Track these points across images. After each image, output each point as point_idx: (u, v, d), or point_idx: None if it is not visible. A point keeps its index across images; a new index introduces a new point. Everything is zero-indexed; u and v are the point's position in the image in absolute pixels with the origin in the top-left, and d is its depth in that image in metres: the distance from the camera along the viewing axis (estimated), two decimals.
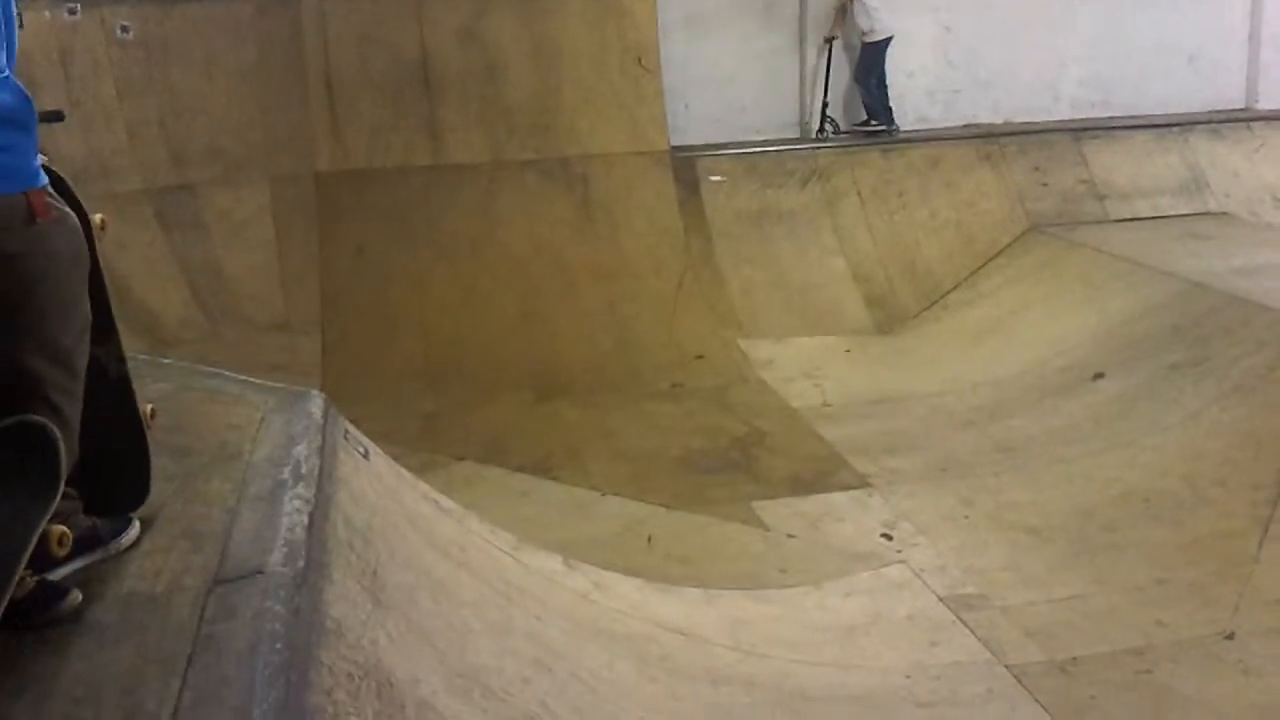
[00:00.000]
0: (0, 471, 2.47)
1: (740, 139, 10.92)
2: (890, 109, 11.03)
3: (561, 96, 10.15)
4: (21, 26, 8.55)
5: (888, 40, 10.82)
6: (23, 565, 2.42)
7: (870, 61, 10.92)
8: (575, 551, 4.88)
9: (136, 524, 3.00)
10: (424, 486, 4.29)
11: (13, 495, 2.45)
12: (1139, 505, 6.02)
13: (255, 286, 9.18)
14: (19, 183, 2.69)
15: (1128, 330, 7.98)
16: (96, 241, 3.01)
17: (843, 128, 11.13)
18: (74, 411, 2.82)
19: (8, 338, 2.69)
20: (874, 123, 11.04)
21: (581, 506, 6.54)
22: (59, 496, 2.51)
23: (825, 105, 11.04)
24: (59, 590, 2.67)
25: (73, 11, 9.17)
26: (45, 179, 2.75)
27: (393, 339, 8.91)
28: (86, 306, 2.87)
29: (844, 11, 10.89)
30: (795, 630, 4.86)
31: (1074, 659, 4.73)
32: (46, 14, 9.05)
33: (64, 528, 2.62)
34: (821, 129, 11.03)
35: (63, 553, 2.64)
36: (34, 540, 2.43)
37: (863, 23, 10.80)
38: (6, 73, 2.65)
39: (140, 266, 8.80)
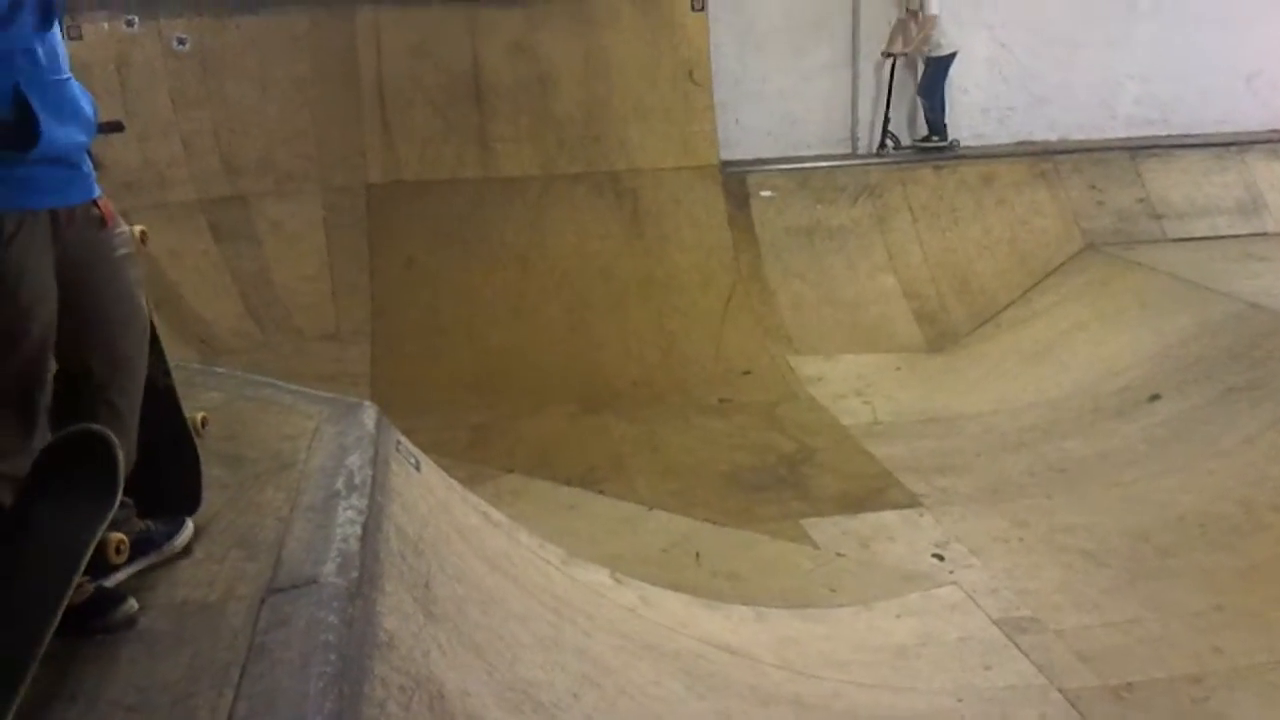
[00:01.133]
0: (61, 479, 2.48)
1: (791, 154, 10.88)
2: (945, 125, 10.93)
3: (612, 110, 10.16)
4: (80, 38, 8.68)
5: (952, 55, 10.75)
6: (81, 572, 2.42)
7: (934, 77, 10.85)
8: (623, 566, 4.85)
9: (190, 525, 3.02)
10: (474, 498, 4.29)
11: (73, 502, 2.46)
12: (1195, 529, 5.91)
13: (306, 297, 9.24)
14: (92, 189, 2.74)
15: (1184, 351, 7.85)
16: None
17: (903, 143, 11.05)
18: (133, 415, 2.85)
19: (75, 341, 2.72)
20: (935, 138, 10.96)
21: (628, 521, 6.51)
22: (117, 504, 2.52)
23: (887, 121, 10.96)
24: (115, 597, 2.68)
25: (130, 23, 9.31)
26: (100, 189, 2.80)
27: (442, 350, 8.93)
28: (146, 313, 2.90)
29: (904, 27, 10.82)
30: (845, 650, 4.80)
31: (1129, 684, 4.62)
32: (105, 25, 9.20)
33: (121, 535, 2.63)
34: (883, 144, 10.95)
35: (120, 560, 2.65)
36: (92, 547, 2.44)
37: (930, 38, 10.72)
38: (70, 76, 2.68)
39: (193, 276, 8.90)
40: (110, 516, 2.50)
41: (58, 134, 2.55)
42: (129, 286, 2.83)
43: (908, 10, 10.77)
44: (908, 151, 10.97)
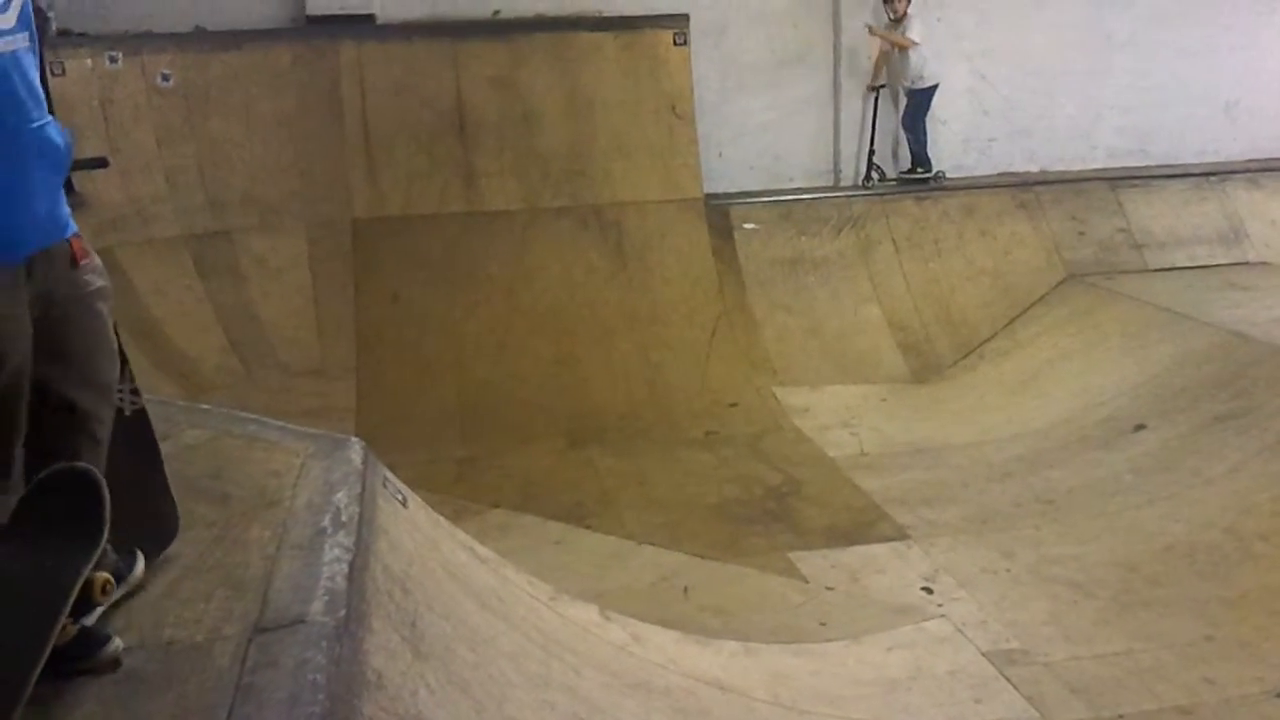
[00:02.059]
0: (47, 517, 2.46)
1: (774, 186, 10.93)
2: (929, 157, 11.01)
3: (596, 144, 10.20)
4: (64, 74, 8.70)
5: (934, 88, 10.83)
6: (66, 613, 2.40)
7: (916, 108, 10.91)
8: (611, 602, 4.82)
9: (138, 553, 3.00)
10: (461, 534, 4.26)
11: (59, 542, 2.43)
12: (1183, 559, 5.90)
13: (291, 332, 9.21)
14: (65, 229, 2.75)
15: (1168, 381, 7.87)
16: None
17: (888, 176, 11.11)
18: (107, 445, 2.86)
19: (59, 375, 2.72)
20: (920, 170, 11.00)
21: (616, 556, 6.48)
22: (104, 543, 2.50)
23: (872, 154, 11.01)
24: (100, 638, 2.65)
25: (114, 60, 9.32)
26: (75, 226, 2.81)
27: (427, 385, 8.91)
28: (117, 342, 2.93)
29: (886, 59, 10.90)
30: (836, 685, 4.77)
31: (1120, 717, 4.61)
32: (88, 62, 9.20)
33: (107, 575, 2.60)
34: (869, 177, 11.00)
35: (105, 600, 2.62)
36: (78, 587, 2.42)
37: (912, 70, 10.78)
38: (51, 119, 2.68)
39: (177, 312, 8.86)
40: (97, 556, 2.48)
41: (23, 183, 2.55)
42: (103, 319, 2.85)
43: (883, 43, 10.85)
44: (892, 184, 11.01)
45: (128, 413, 3.11)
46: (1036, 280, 10.19)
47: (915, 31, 10.67)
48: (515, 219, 9.94)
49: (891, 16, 10.76)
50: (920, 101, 10.89)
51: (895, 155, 11.25)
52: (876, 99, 10.97)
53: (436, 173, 9.96)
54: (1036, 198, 10.75)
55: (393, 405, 8.59)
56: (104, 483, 2.54)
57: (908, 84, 10.89)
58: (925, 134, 10.98)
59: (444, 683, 2.94)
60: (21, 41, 2.60)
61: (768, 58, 10.90)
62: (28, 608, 2.38)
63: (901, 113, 11.08)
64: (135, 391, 3.02)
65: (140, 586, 2.94)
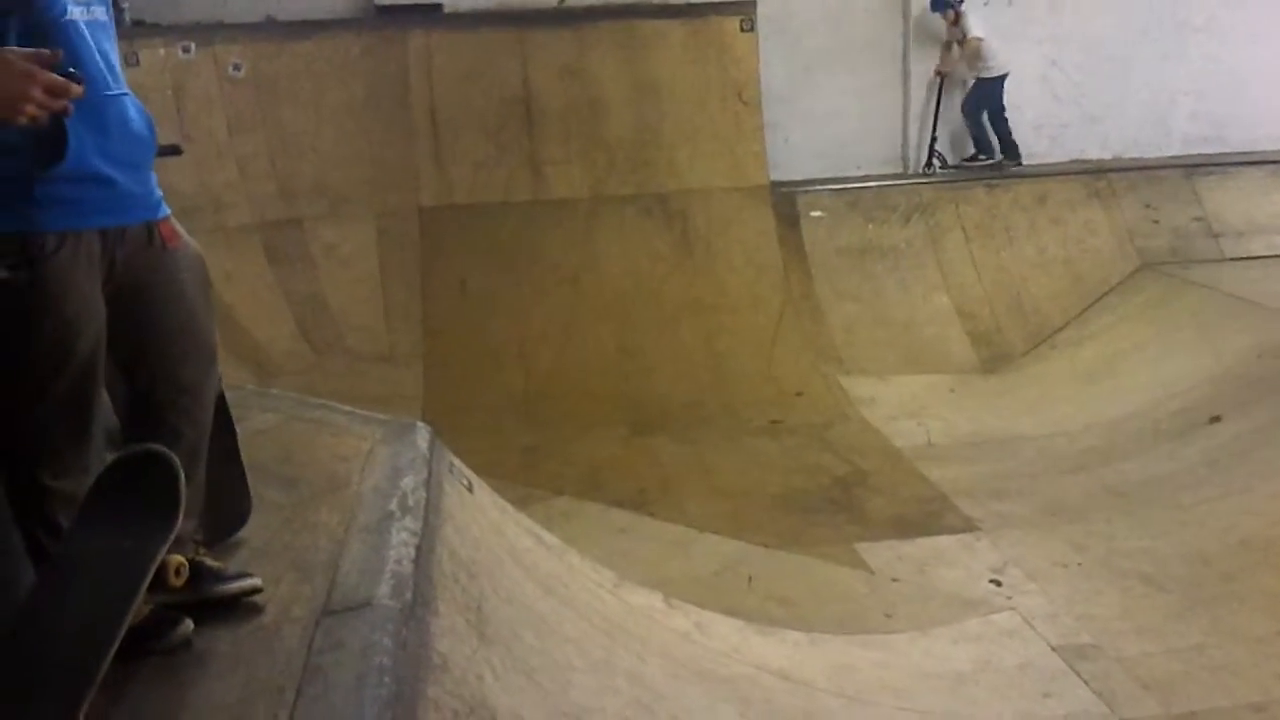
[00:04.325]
0: (122, 498, 2.49)
1: (842, 174, 10.84)
2: (1014, 143, 10.91)
3: (662, 132, 10.18)
4: (138, 64, 8.83)
5: (1003, 77, 10.71)
6: (142, 594, 2.43)
7: (981, 96, 10.80)
8: (674, 590, 4.81)
9: (256, 580, 2.93)
10: (526, 520, 4.27)
11: (134, 522, 2.46)
12: (1258, 554, 5.76)
13: (359, 319, 9.32)
14: (151, 210, 2.72)
15: (1244, 372, 7.70)
16: None
17: (949, 163, 11.00)
18: (199, 439, 2.85)
19: (134, 362, 2.73)
20: (982, 157, 10.89)
21: (680, 544, 6.46)
22: (178, 525, 2.52)
23: (934, 140, 10.92)
24: (172, 618, 2.68)
25: (187, 50, 9.47)
26: (167, 209, 2.79)
27: (493, 371, 8.96)
28: (213, 336, 2.89)
29: (950, 47, 10.78)
30: (902, 677, 4.72)
31: (1192, 713, 4.51)
32: (161, 52, 9.35)
33: (181, 558, 2.62)
34: (929, 164, 10.91)
35: (178, 582, 2.65)
36: (153, 570, 2.44)
37: (978, 59, 10.67)
38: (128, 93, 2.67)
39: (248, 299, 9.00)
40: (171, 537, 2.50)
41: (98, 151, 2.54)
42: (191, 312, 2.79)
43: (949, 35, 10.78)
44: (952, 171, 10.91)
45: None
46: (1109, 269, 10.02)
47: (976, 28, 10.58)
48: (580, 207, 9.97)
49: (950, 21, 10.71)
50: (984, 90, 10.77)
51: (956, 142, 11.11)
52: (940, 85, 10.88)
53: (503, 161, 10.00)
54: (1110, 185, 10.55)
55: (459, 392, 8.66)
56: (178, 464, 2.55)
57: (974, 73, 10.77)
58: (1001, 123, 10.86)
59: (508, 667, 2.95)
60: (100, 13, 2.62)
61: (835, 44, 10.81)
62: (104, 589, 2.41)
63: (964, 99, 10.95)
64: (218, 385, 3.04)
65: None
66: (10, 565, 2.68)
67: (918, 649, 5.04)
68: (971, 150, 11.00)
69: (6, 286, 2.46)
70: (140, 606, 2.68)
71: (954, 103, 11.00)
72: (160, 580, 2.64)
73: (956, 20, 10.62)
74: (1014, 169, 10.83)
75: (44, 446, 2.59)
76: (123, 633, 2.34)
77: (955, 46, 10.76)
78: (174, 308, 2.75)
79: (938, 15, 10.77)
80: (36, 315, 2.49)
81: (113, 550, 2.45)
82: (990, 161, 10.86)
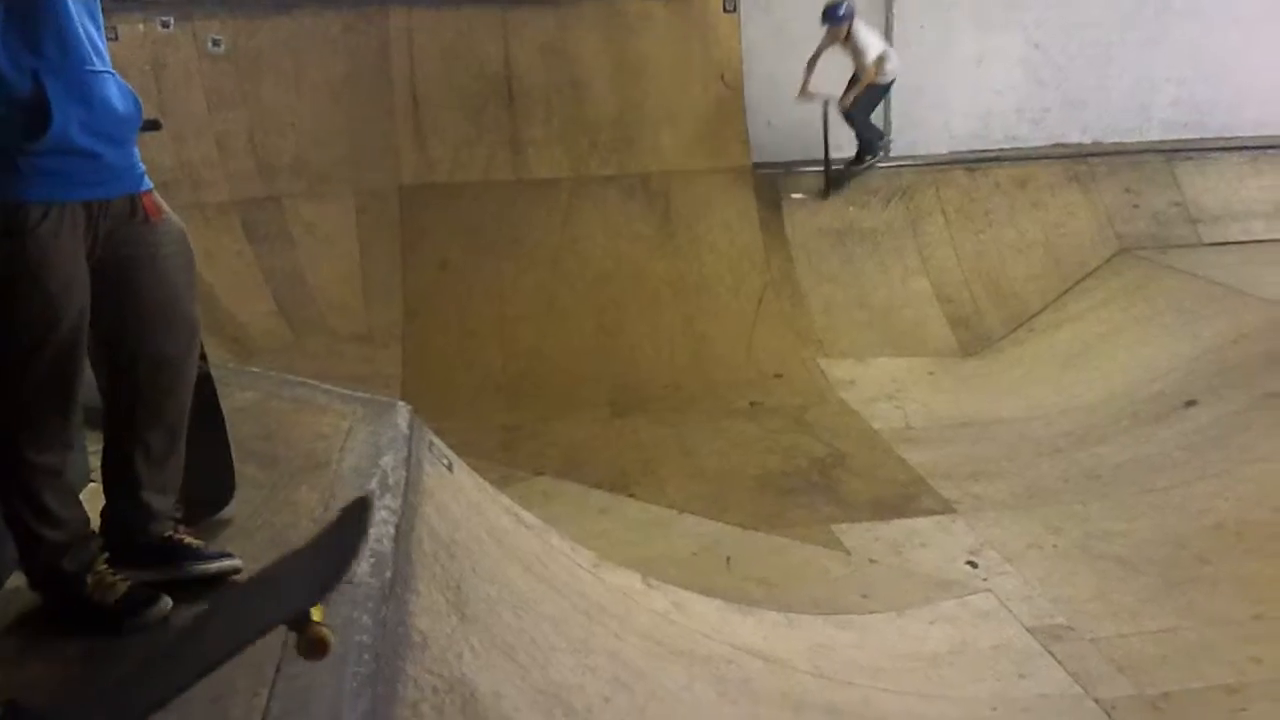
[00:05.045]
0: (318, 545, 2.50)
1: (823, 156, 10.82)
2: (878, 144, 10.56)
3: (644, 112, 10.17)
4: (116, 38, 8.77)
5: (891, 84, 10.34)
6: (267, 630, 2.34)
7: (872, 101, 10.37)
8: (653, 570, 4.83)
9: (236, 560, 2.93)
10: (505, 500, 4.28)
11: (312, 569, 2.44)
12: (1232, 537, 5.81)
13: (339, 298, 9.28)
14: (132, 184, 2.71)
15: (1221, 357, 7.75)
16: None
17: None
18: (179, 416, 2.85)
19: (114, 336, 2.72)
20: (868, 158, 10.50)
21: (659, 524, 6.48)
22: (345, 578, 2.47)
23: (829, 164, 10.49)
24: (150, 596, 2.68)
25: (166, 24, 9.39)
26: (150, 183, 2.78)
27: (472, 351, 8.95)
28: (195, 312, 2.88)
29: (813, 66, 10.24)
30: (877, 657, 4.76)
31: (1165, 694, 4.55)
32: (140, 26, 9.27)
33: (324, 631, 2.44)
34: (828, 193, 10.48)
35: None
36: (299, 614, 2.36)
37: (880, 65, 10.11)
38: (111, 71, 2.67)
39: (227, 277, 8.95)
40: (329, 593, 2.41)
41: (82, 126, 2.54)
42: (173, 287, 2.78)
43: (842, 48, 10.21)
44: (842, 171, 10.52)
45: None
46: (1088, 253, 10.05)
47: (872, 45, 10.12)
48: (562, 187, 9.95)
49: (842, 38, 10.11)
50: (878, 96, 10.38)
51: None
52: (825, 110, 10.34)
53: (484, 140, 9.98)
54: (1090, 170, 10.59)
55: (439, 371, 8.65)
56: (369, 523, 2.57)
57: (870, 80, 10.15)
58: (874, 122, 10.56)
59: (488, 645, 2.96)
60: None
61: (817, 25, 10.75)
62: (257, 612, 2.40)
63: (852, 104, 10.23)
64: (202, 357, 3.03)
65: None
66: None
67: (894, 629, 5.08)
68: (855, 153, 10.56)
69: None
70: (118, 583, 2.69)
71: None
72: (132, 549, 2.72)
73: (848, 36, 10.05)
74: (995, 152, 10.83)
75: (26, 420, 2.58)
76: (234, 655, 2.25)
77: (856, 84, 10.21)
78: (156, 281, 2.74)
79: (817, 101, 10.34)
80: (21, 287, 2.49)
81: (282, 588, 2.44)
82: (873, 160, 10.51)
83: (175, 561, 2.84)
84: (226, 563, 2.88)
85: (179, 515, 2.95)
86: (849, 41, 10.03)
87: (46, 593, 2.73)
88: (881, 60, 10.06)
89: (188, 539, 2.91)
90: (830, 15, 10.02)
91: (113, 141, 2.64)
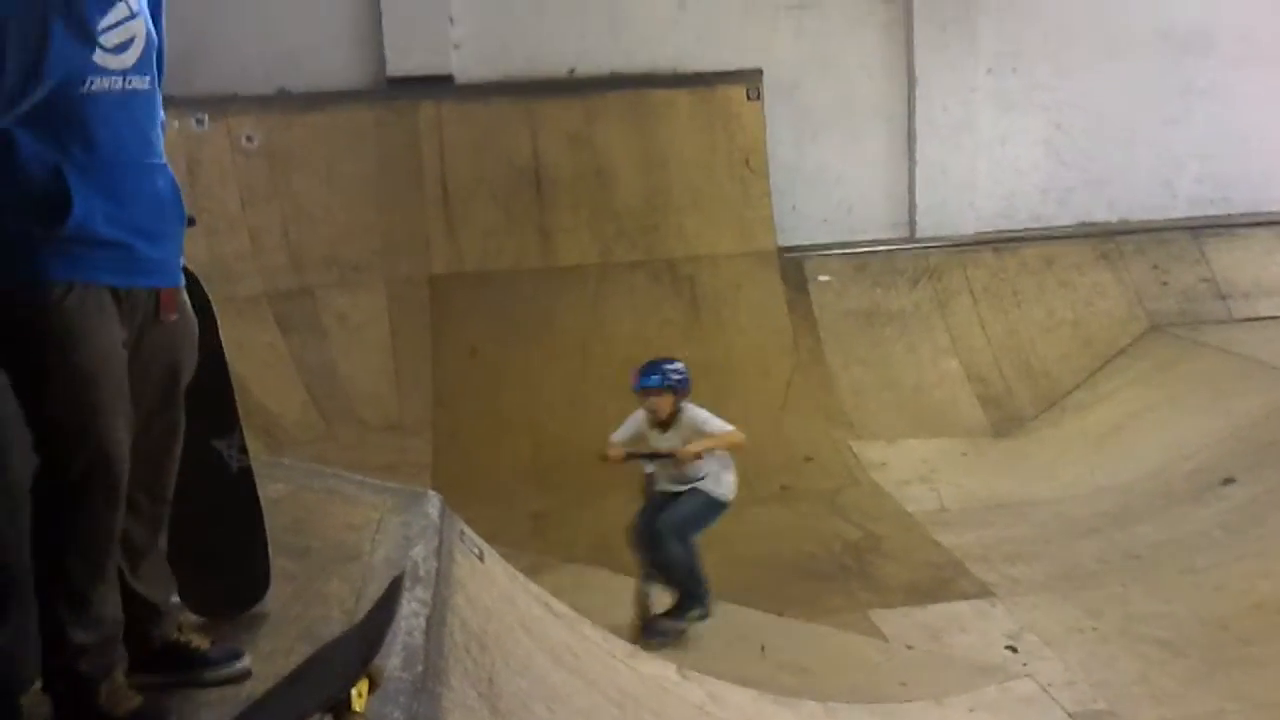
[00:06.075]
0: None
1: (849, 239, 10.85)
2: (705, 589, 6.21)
3: (670, 198, 10.25)
4: None
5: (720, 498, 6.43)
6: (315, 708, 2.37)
7: (699, 517, 6.40)
8: (687, 659, 4.78)
9: (247, 661, 2.88)
10: (536, 589, 4.26)
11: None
12: (1275, 616, 5.73)
13: (370, 387, 9.33)
14: (157, 278, 2.70)
15: (1257, 434, 7.66)
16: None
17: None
18: (157, 508, 2.79)
19: (88, 423, 2.56)
20: (693, 612, 6.14)
21: None
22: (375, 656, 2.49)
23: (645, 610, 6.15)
24: (159, 714, 2.64)
25: (200, 122, 9.59)
26: (182, 279, 2.78)
27: (502, 439, 8.95)
28: (179, 412, 2.81)
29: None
30: None
31: None
32: (175, 124, 9.43)
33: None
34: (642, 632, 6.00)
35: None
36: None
37: (691, 470, 6.38)
38: (161, 164, 2.68)
39: (259, 368, 9.00)
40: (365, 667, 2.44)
41: (108, 218, 2.54)
42: (159, 388, 2.73)
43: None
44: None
45: (234, 469, 3.14)
46: (1119, 331, 10.02)
47: (709, 421, 6.52)
48: (590, 273, 10.01)
49: (665, 413, 6.48)
50: (707, 511, 6.39)
51: None
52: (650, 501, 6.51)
53: (513, 229, 10.07)
54: (1117, 247, 10.59)
55: (469, 459, 8.64)
56: (398, 601, 2.62)
57: (685, 482, 6.40)
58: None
59: None
60: (140, 84, 2.67)
61: (841, 110, 10.89)
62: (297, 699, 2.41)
63: (662, 519, 6.29)
64: (243, 450, 3.03)
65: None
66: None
67: (933, 717, 4.99)
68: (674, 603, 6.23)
69: (19, 330, 2.45)
70: (132, 696, 2.63)
71: None
72: (138, 649, 2.70)
73: (674, 415, 6.47)
74: (1021, 231, 10.80)
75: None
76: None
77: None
78: (145, 382, 2.69)
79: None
80: (51, 362, 2.48)
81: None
82: (699, 615, 6.15)
83: (182, 668, 2.81)
84: (235, 668, 2.83)
85: (181, 616, 2.92)
86: (675, 417, 6.50)
87: (56, 696, 2.61)
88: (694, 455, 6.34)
89: (195, 642, 2.87)
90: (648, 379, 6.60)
91: (144, 235, 2.64)
